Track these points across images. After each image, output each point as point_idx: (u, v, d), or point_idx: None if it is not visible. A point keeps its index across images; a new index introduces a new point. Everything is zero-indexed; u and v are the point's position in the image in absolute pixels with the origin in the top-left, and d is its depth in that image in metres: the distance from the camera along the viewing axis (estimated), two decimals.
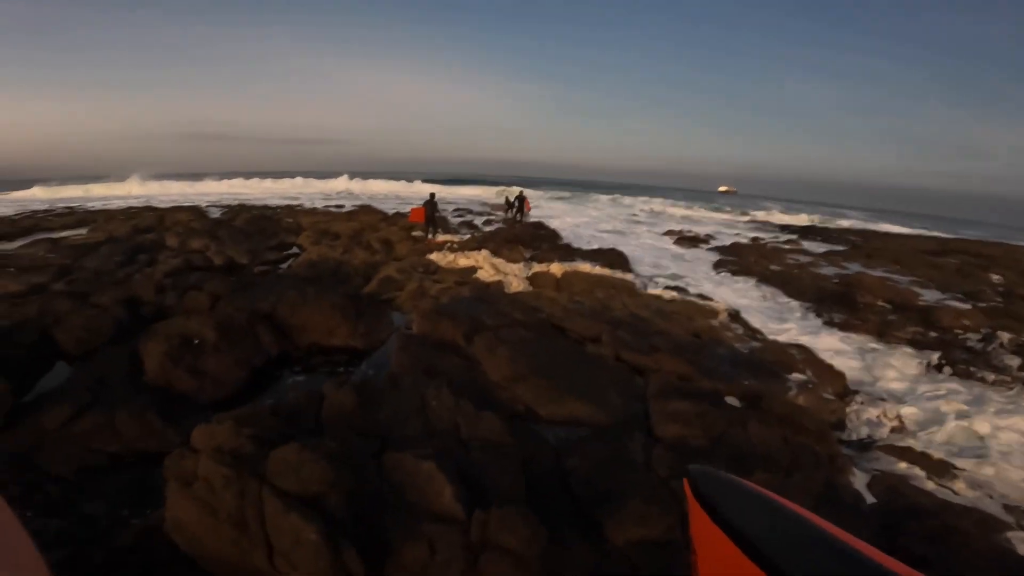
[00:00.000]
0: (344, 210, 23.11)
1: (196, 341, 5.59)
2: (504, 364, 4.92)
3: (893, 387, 6.86)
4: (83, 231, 16.89)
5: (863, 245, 24.37)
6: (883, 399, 6.26)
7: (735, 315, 8.67)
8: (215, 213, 22.61)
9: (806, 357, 6.54)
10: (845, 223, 42.39)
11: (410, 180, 51.84)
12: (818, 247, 23.05)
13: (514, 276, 10.13)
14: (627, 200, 43.85)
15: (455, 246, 13.04)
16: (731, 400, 5.26)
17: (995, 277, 17.34)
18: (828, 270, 16.69)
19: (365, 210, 22.94)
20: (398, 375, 4.95)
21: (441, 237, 14.45)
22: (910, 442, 5.32)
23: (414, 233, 14.89)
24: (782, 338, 8.05)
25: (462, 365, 5.03)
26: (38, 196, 39.17)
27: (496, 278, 9.87)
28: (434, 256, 11.56)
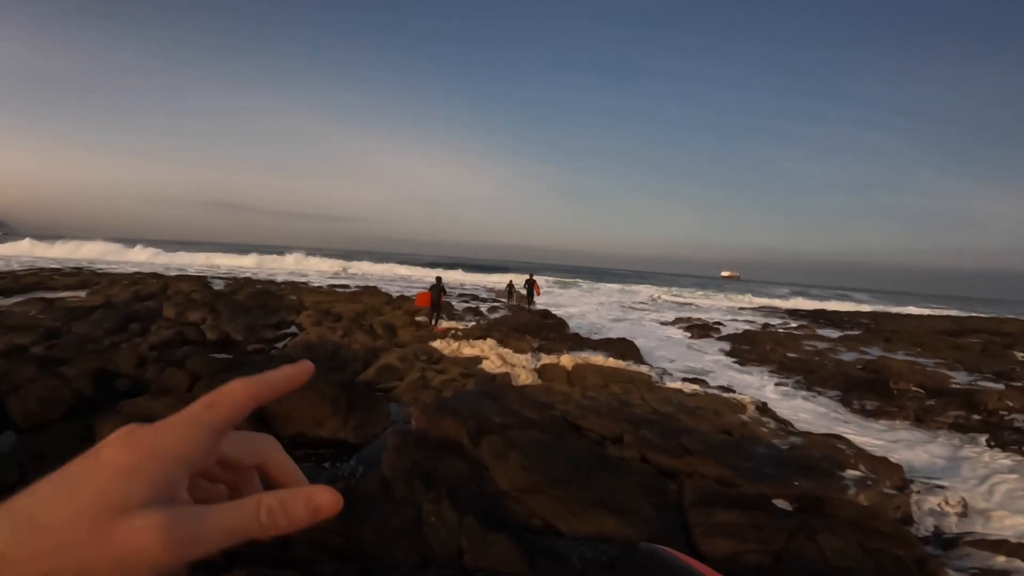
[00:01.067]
0: (349, 290, 22.94)
1: None
2: (516, 471, 4.23)
3: (946, 473, 6.46)
4: (83, 293, 16.62)
5: (877, 328, 23.80)
6: (941, 486, 5.75)
7: (763, 408, 7.97)
8: (220, 285, 22.52)
9: (855, 450, 5.80)
10: (852, 306, 42.10)
11: (417, 264, 52.85)
12: (832, 332, 22.49)
13: (522, 367, 9.53)
14: (632, 287, 44.03)
15: (459, 334, 12.56)
16: (781, 504, 4.49)
17: (1020, 355, 16.56)
18: (849, 356, 16.01)
19: (370, 291, 22.79)
20: (391, 480, 4.25)
21: (445, 324, 14.01)
22: (981, 529, 4.62)
23: (418, 318, 14.48)
24: (817, 430, 7.34)
25: (467, 471, 4.33)
26: (24, 251, 39.98)
27: (503, 369, 9.28)
28: (438, 344, 11.04)
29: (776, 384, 12.15)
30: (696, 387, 8.62)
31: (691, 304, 36.51)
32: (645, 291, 41.09)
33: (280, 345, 11.30)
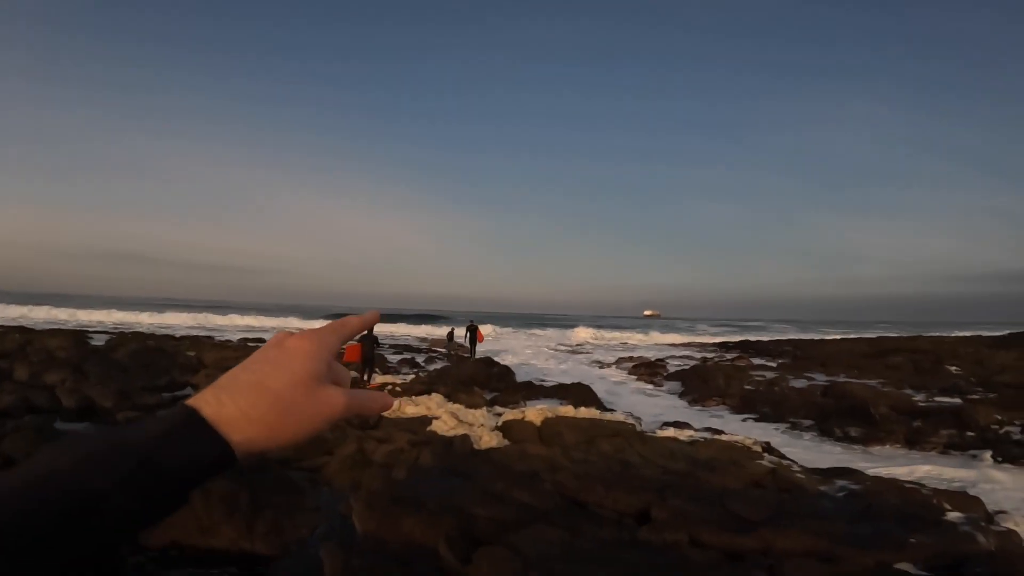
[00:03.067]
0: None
1: None
2: None
3: (997, 496, 5.69)
4: None
5: (804, 354, 24.44)
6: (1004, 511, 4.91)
7: (770, 449, 6.89)
8: (101, 341, 18.63)
9: (927, 489, 4.78)
10: (768, 336, 44.23)
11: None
12: (765, 361, 22.73)
13: (481, 426, 7.88)
14: (564, 331, 43.46)
15: (398, 390, 10.66)
16: (911, 570, 3.28)
17: (954, 369, 17.26)
18: (799, 383, 15.77)
19: None
20: None
21: (380, 379, 12.02)
22: None
23: None
24: (821, 465, 6.36)
25: None
26: None
27: (458, 430, 7.57)
28: None
29: (754, 420, 11.36)
30: (691, 433, 7.42)
31: (624, 343, 36.44)
32: (577, 334, 40.69)
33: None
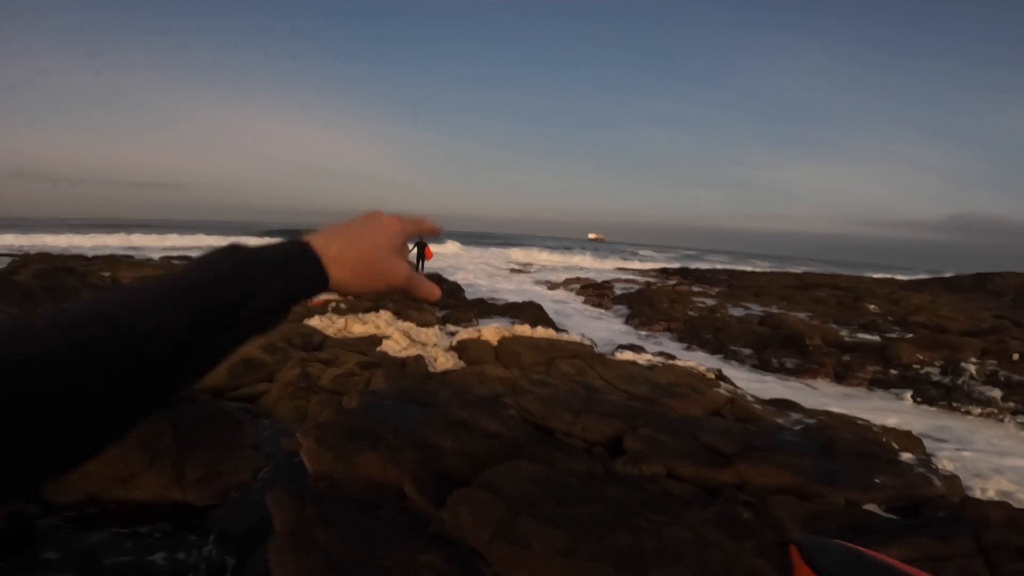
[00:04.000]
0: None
1: None
2: (554, 566, 2.32)
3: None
4: None
5: (739, 284, 25.71)
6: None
7: (722, 377, 7.02)
8: (3, 264, 16.41)
9: (877, 426, 4.97)
10: (705, 264, 46.27)
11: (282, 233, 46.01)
12: (703, 288, 23.68)
13: (435, 347, 7.50)
14: (510, 250, 43.16)
15: (343, 306, 10.00)
16: (875, 509, 3.35)
17: (872, 307, 18.66)
18: (737, 311, 16.51)
19: None
20: None
21: (323, 295, 11.25)
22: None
23: None
24: (764, 395, 6.57)
25: (440, 568, 2.33)
26: None
27: (411, 351, 7.16)
28: (316, 322, 8.47)
29: (698, 347, 11.73)
30: (649, 357, 7.41)
31: (570, 265, 36.83)
32: (524, 254, 40.61)
33: None
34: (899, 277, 33.83)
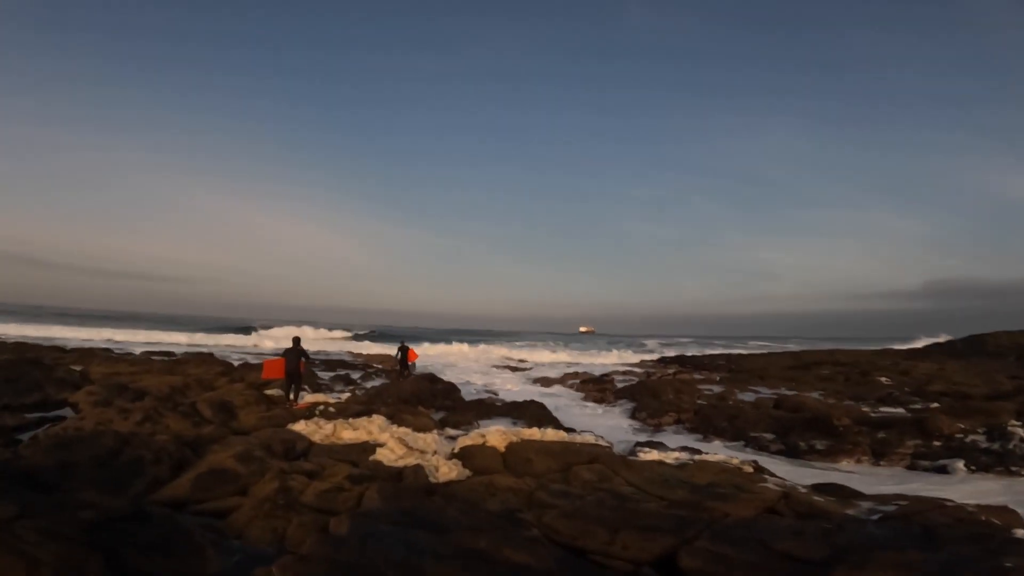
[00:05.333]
0: (170, 359, 17.21)
1: None
2: None
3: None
4: None
5: (738, 368, 24.94)
6: None
7: (759, 469, 6.22)
8: None
9: (970, 505, 4.22)
10: (699, 350, 45.54)
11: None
12: (704, 375, 22.87)
13: (434, 454, 6.66)
14: (503, 347, 42.40)
15: (331, 410, 9.17)
16: None
17: (883, 379, 17.91)
18: (747, 396, 15.69)
19: (199, 360, 17.35)
20: None
21: (309, 398, 10.40)
22: None
23: (268, 391, 10.62)
24: (803, 483, 5.73)
25: None
26: None
27: (408, 459, 6.31)
28: (301, 427, 7.62)
29: (712, 436, 10.86)
30: (677, 455, 6.61)
31: (570, 361, 36.00)
32: (516, 350, 39.90)
33: (24, 438, 6.98)
34: (894, 347, 33.34)
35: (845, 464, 8.35)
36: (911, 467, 8.16)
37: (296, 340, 10.26)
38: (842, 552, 3.18)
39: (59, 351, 17.82)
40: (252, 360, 18.82)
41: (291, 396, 9.91)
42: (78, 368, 13.12)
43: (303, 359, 10.03)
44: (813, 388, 16.88)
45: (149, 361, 16.09)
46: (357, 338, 47.64)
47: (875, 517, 4.16)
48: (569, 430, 8.86)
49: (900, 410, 11.87)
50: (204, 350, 24.22)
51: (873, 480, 6.87)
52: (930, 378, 16.26)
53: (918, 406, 11.80)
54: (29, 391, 10.51)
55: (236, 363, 16.99)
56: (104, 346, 23.01)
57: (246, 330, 45.07)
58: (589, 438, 7.67)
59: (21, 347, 18.43)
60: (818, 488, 5.40)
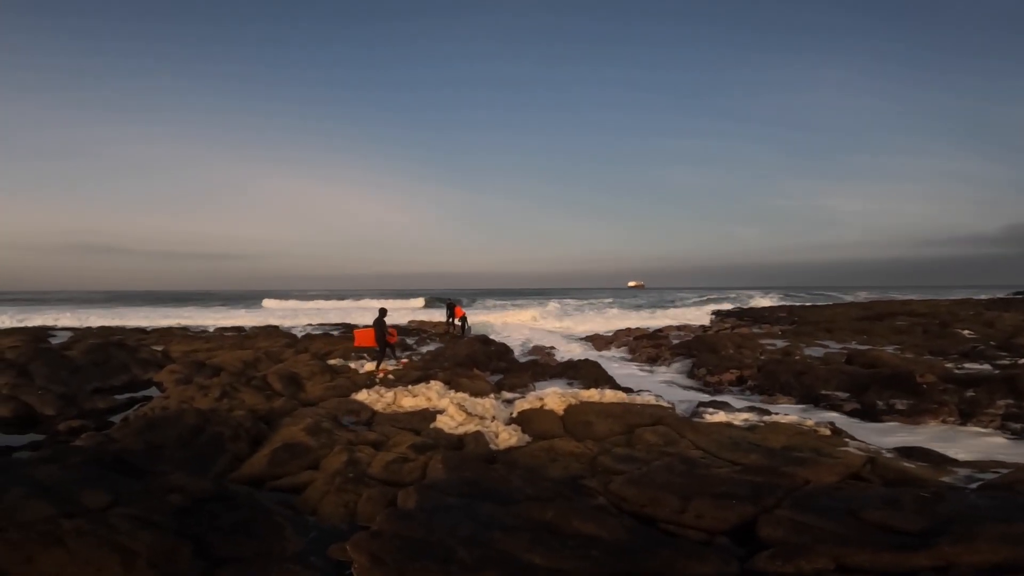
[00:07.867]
0: (240, 334, 18.35)
1: None
2: None
3: None
4: None
5: (802, 321, 23.74)
6: None
7: (837, 431, 5.87)
8: (63, 338, 17.08)
9: None
10: (758, 302, 43.71)
11: (331, 299, 48.00)
12: (767, 328, 21.94)
13: (494, 420, 6.71)
14: (552, 303, 42.28)
15: (391, 377, 9.42)
16: None
17: (966, 332, 16.62)
18: (813, 351, 14.93)
19: (266, 332, 18.40)
20: None
21: (369, 366, 10.75)
22: None
23: (331, 361, 11.06)
24: (885, 446, 5.31)
25: None
26: None
27: (468, 426, 6.39)
28: (363, 396, 7.87)
29: (779, 395, 10.42)
30: (747, 416, 6.36)
31: (616, 317, 35.52)
32: (566, 306, 39.71)
33: (116, 419, 7.56)
34: (973, 296, 30.84)
35: (932, 425, 7.79)
36: (1001, 428, 7.50)
37: (382, 311, 10.82)
38: (944, 523, 2.91)
39: (141, 332, 19.34)
40: (313, 331, 19.66)
41: (380, 365, 10.35)
42: (159, 348, 14.14)
43: (384, 328, 10.51)
44: (888, 341, 15.81)
45: (222, 337, 17.12)
46: (408, 296, 49.16)
47: (974, 486, 3.82)
48: (627, 390, 8.72)
49: (986, 366, 10.96)
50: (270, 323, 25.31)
51: (960, 444, 6.33)
52: (1017, 330, 14.89)
53: (1006, 362, 10.82)
54: (117, 373, 11.40)
55: (300, 334, 17.87)
56: (182, 325, 24.70)
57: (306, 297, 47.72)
58: (649, 398, 7.50)
59: (106, 331, 20.12)
60: (904, 452, 5.03)
